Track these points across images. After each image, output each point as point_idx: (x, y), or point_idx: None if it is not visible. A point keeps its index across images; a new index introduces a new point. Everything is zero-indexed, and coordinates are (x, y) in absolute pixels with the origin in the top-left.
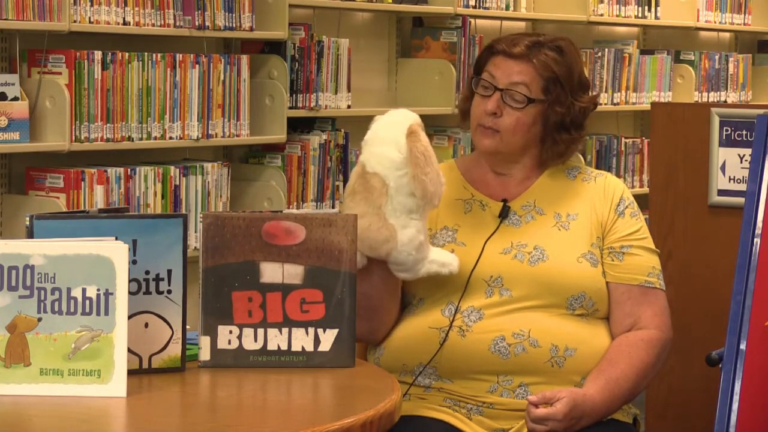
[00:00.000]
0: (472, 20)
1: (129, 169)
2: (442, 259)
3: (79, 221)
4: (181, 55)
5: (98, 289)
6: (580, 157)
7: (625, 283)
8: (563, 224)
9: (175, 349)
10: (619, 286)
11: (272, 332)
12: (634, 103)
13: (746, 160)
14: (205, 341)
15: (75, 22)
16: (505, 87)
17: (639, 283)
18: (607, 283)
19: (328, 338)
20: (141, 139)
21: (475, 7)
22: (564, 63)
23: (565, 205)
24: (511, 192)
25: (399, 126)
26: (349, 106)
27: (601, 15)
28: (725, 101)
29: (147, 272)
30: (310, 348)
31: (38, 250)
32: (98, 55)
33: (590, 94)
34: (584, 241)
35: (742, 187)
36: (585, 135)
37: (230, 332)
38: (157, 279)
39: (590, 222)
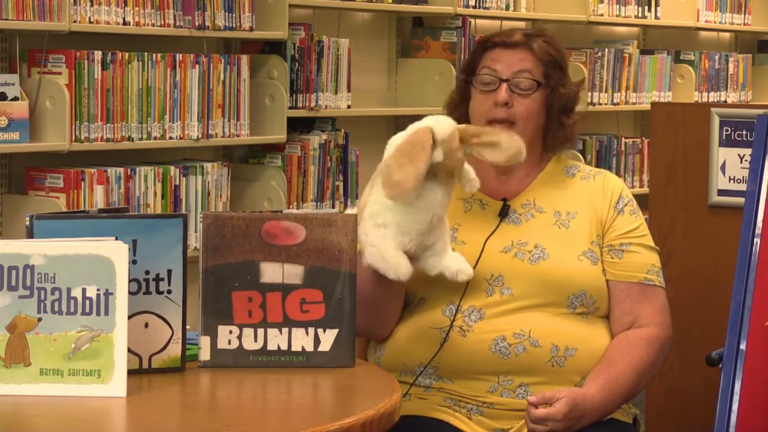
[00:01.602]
0: (472, 20)
1: (129, 169)
2: (454, 266)
3: (79, 221)
4: (181, 55)
5: (98, 289)
6: (580, 156)
7: (624, 281)
8: (563, 222)
9: (175, 349)
10: (618, 284)
11: (272, 332)
12: (634, 103)
13: (746, 160)
14: (205, 341)
15: (75, 22)
16: (510, 76)
17: (638, 281)
18: (607, 281)
19: (328, 338)
20: (141, 139)
21: (475, 7)
22: (557, 48)
23: (564, 204)
24: (510, 190)
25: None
26: (349, 106)
27: (601, 15)
28: (725, 101)
29: (147, 272)
30: (310, 348)
31: (38, 250)
32: (98, 55)
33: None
34: (584, 239)
35: (742, 187)
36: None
37: (230, 332)
38: (157, 279)
39: (590, 220)
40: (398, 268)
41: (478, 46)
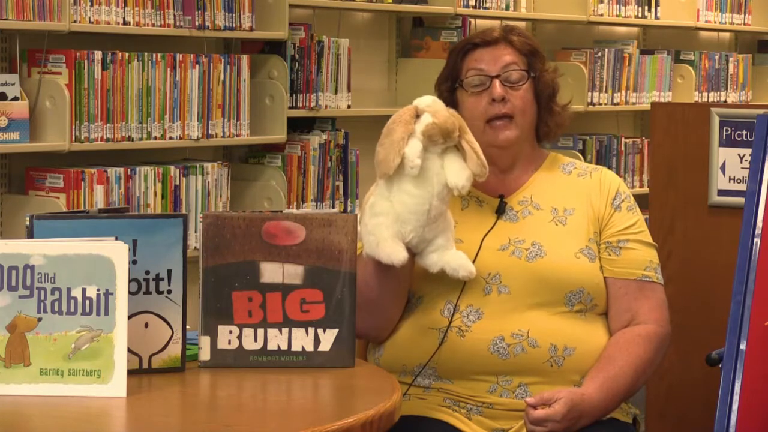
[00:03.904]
0: (472, 20)
1: (129, 169)
2: (455, 262)
3: (79, 221)
4: (181, 55)
5: (98, 289)
6: (579, 155)
7: (622, 278)
8: (560, 219)
9: (175, 349)
10: (616, 281)
11: (272, 332)
12: (634, 103)
13: (746, 160)
14: (205, 341)
15: (75, 22)
16: (499, 72)
17: (636, 278)
18: (604, 278)
19: (328, 338)
20: (141, 139)
21: (475, 7)
22: (531, 38)
23: (561, 200)
24: (508, 188)
25: None
26: (349, 106)
27: (601, 15)
28: (725, 101)
29: (147, 272)
30: (310, 348)
31: (38, 250)
32: (98, 55)
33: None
34: (582, 236)
35: (742, 187)
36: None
37: (230, 332)
38: (157, 279)
39: (587, 217)
40: (393, 253)
41: (457, 52)
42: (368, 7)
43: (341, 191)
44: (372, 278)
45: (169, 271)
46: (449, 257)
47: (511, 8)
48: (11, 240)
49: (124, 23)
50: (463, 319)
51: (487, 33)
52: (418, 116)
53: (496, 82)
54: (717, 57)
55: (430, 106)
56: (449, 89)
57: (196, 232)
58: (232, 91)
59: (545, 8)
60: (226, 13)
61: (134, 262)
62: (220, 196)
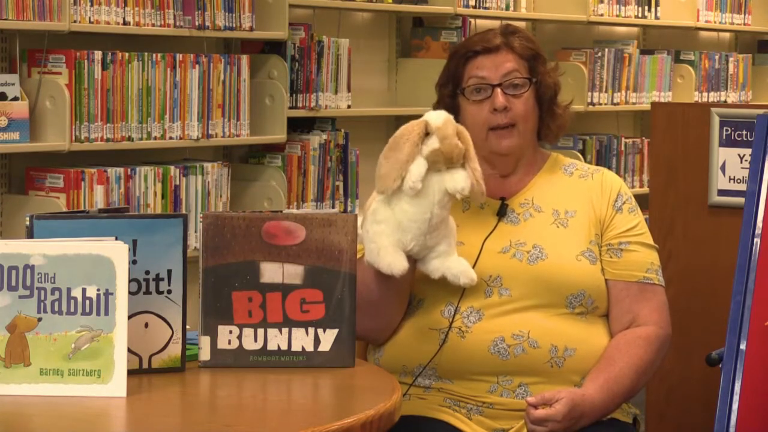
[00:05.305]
0: (472, 20)
1: (129, 169)
2: (456, 269)
3: (79, 221)
4: (181, 55)
5: (98, 289)
6: (579, 155)
7: (623, 280)
8: (561, 221)
9: (175, 349)
10: (617, 283)
11: (272, 332)
12: (634, 103)
13: (746, 160)
14: (205, 341)
15: (75, 22)
16: (501, 80)
17: (637, 280)
18: (605, 280)
19: (328, 338)
20: (141, 139)
21: (475, 7)
22: (532, 40)
23: (563, 202)
24: (509, 190)
25: None
26: (349, 106)
27: (601, 15)
28: (725, 101)
29: (147, 272)
30: (310, 348)
31: (38, 250)
32: (98, 55)
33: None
34: (583, 238)
35: (742, 187)
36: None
37: (230, 332)
38: (157, 279)
39: (588, 219)
40: (393, 263)
41: (458, 57)
42: (368, 7)
43: (341, 191)
44: (372, 282)
45: (169, 271)
46: (451, 263)
47: (511, 8)
48: (11, 240)
49: (124, 23)
50: (463, 320)
51: (487, 39)
52: (428, 133)
53: (498, 91)
54: (717, 57)
55: (441, 129)
56: (450, 94)
57: (196, 232)
58: (232, 91)
59: (545, 8)
60: (226, 13)
61: (134, 262)
62: (220, 196)
